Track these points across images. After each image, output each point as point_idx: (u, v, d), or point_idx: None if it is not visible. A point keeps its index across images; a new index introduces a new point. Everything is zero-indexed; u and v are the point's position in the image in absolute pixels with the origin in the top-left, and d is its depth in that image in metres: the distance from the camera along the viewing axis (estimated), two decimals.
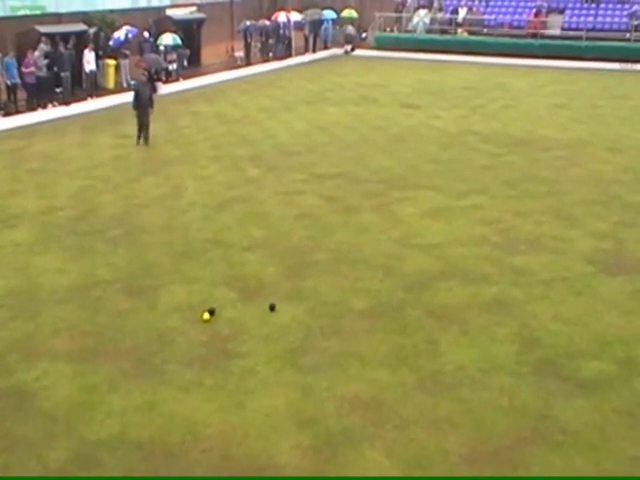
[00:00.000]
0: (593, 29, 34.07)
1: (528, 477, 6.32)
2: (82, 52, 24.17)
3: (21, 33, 24.14)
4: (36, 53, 22.28)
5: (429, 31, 37.65)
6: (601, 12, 35.21)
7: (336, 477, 6.33)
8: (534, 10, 35.97)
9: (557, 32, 34.98)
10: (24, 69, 21.77)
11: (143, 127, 18.16)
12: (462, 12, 37.29)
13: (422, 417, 7.12)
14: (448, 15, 37.60)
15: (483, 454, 6.57)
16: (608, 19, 34.75)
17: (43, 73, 22.37)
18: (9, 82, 21.66)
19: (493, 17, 36.76)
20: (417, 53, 35.41)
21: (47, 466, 6.42)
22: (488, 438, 6.79)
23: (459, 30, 36.88)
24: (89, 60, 24.10)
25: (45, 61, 22.50)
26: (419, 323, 9.03)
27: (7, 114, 21.55)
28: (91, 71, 24.34)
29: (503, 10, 37.28)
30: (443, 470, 6.38)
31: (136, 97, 18.00)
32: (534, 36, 34.62)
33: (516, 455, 6.55)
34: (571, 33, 34.34)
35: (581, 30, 33.81)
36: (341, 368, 7.97)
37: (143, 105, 17.95)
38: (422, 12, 38.25)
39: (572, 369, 7.96)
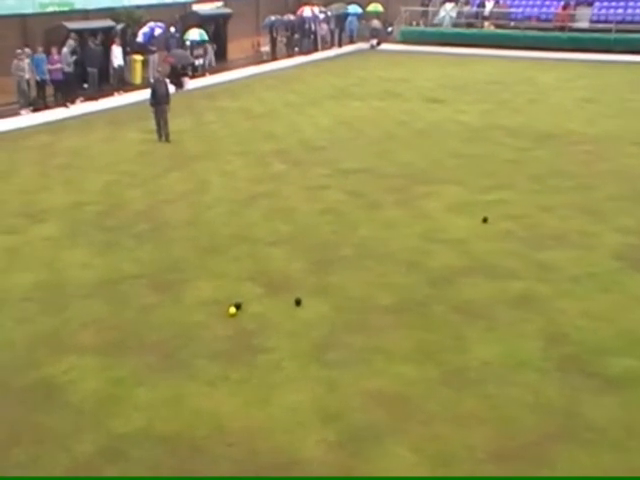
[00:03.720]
0: (622, 21, 33.68)
1: (554, 477, 6.28)
2: (109, 48, 24.41)
3: (49, 29, 24.42)
4: (64, 49, 22.51)
5: (455, 25, 37.48)
6: (631, 4, 34.78)
7: (356, 477, 6.34)
8: (562, 3, 35.63)
9: (585, 25, 34.62)
10: (50, 66, 22.01)
11: (162, 124, 18.27)
12: (489, 5, 37.07)
13: (447, 413, 7.09)
14: (475, 8, 37.40)
15: (509, 450, 6.53)
16: (638, 11, 34.28)
17: (71, 69, 22.62)
18: (38, 78, 21.92)
19: (520, 10, 36.49)
20: (443, 47, 35.28)
21: (75, 459, 6.49)
22: (514, 434, 6.75)
23: (486, 24, 36.67)
24: (116, 55, 24.33)
25: (73, 57, 22.73)
26: (444, 318, 8.99)
27: (36, 110, 21.80)
28: (119, 66, 24.58)
29: (530, 3, 36.98)
30: (469, 466, 6.35)
31: (153, 94, 18.11)
32: (562, 29, 34.31)
33: (542, 452, 6.51)
34: (600, 26, 33.97)
35: (610, 23, 33.45)
36: (366, 363, 7.97)
37: (160, 102, 18.05)
38: (448, 6, 38.08)
39: (599, 365, 7.88)
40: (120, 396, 7.45)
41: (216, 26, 30.92)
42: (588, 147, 17.22)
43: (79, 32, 24.16)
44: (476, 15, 36.94)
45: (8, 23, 24.45)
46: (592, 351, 8.17)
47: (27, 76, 21.49)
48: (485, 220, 12.16)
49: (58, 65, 22.22)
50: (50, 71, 22.05)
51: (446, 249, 11.15)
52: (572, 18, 35.00)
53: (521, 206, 13.08)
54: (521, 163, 15.95)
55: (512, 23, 35.91)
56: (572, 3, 35.51)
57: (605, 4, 35.11)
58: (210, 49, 29.72)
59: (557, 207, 12.98)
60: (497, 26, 36.29)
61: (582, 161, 16.05)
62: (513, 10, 36.70)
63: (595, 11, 35.00)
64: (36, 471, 6.35)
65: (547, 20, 35.46)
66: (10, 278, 10.37)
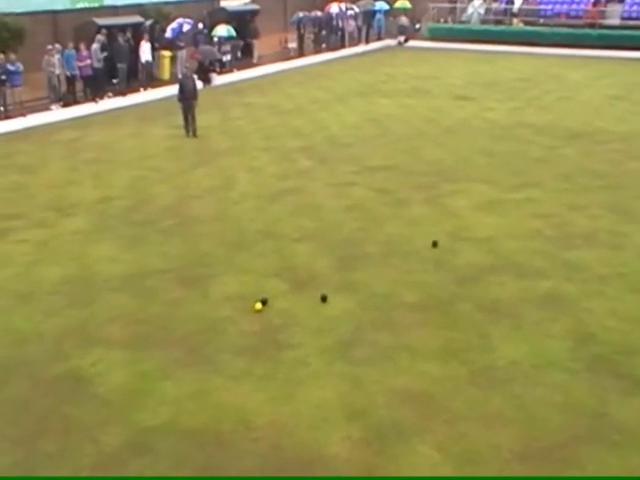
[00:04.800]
0: None
1: (582, 477, 6.21)
2: (138, 44, 24.57)
3: (79, 26, 24.65)
4: (94, 45, 22.73)
5: (483, 22, 37.18)
6: None
7: (381, 477, 6.32)
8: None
9: (616, 22, 34.12)
10: (79, 62, 22.23)
11: (189, 119, 18.36)
12: (517, 2, 36.71)
13: (473, 412, 7.05)
14: (503, 5, 37.06)
15: (536, 451, 6.47)
16: None
17: (100, 65, 22.83)
18: (68, 73, 22.13)
19: (550, 7, 36.05)
20: (471, 44, 34.99)
21: (102, 450, 6.55)
22: (541, 435, 6.69)
23: (514, 20, 36.31)
24: (145, 51, 24.44)
25: (103, 53, 22.93)
26: (471, 317, 8.94)
27: (66, 105, 22.02)
28: (147, 62, 24.65)
29: (560, 0, 36.51)
30: (494, 466, 6.30)
31: (181, 90, 18.21)
32: (592, 26, 33.87)
33: (570, 453, 6.44)
34: (631, 23, 33.46)
35: None
36: (392, 361, 7.94)
37: (188, 98, 18.14)
38: (476, 2, 37.78)
39: (629, 366, 7.78)
40: (146, 389, 7.51)
41: (244, 22, 30.95)
42: (618, 145, 17.01)
43: (109, 28, 24.33)
44: (505, 12, 36.61)
45: (39, 19, 24.71)
46: (621, 352, 8.07)
47: (57, 72, 21.72)
48: (435, 244, 11.05)
49: (87, 61, 22.46)
50: (80, 67, 22.26)
51: (473, 247, 11.08)
52: (602, 15, 34.55)
53: (549, 205, 12.95)
54: (550, 161, 15.80)
55: (541, 20, 35.51)
56: (603, 0, 35.04)
57: (637, 0, 34.58)
58: (256, 44, 30.90)
59: (586, 206, 12.84)
60: (526, 23, 35.93)
61: (612, 160, 15.86)
62: (542, 7, 36.29)
63: (626, 8, 34.48)
64: (64, 462, 6.42)
65: (577, 17, 35.00)
66: (39, 271, 10.49)
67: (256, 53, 31.07)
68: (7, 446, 6.64)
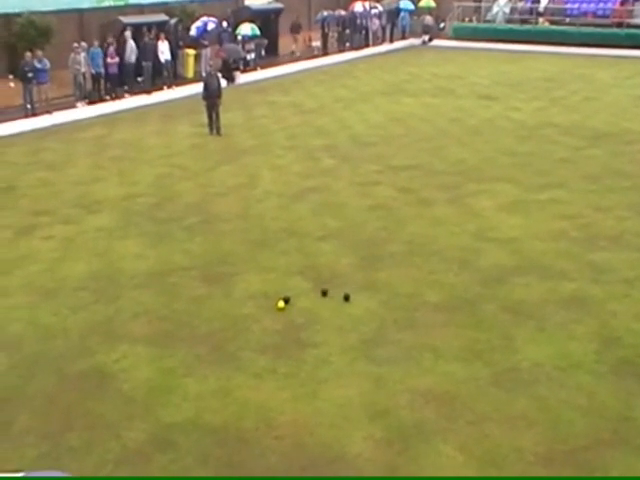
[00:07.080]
0: None
1: (607, 477, 6.16)
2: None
3: (105, 24, 24.86)
4: (130, 42, 23.02)
5: (509, 21, 36.94)
6: None
7: (403, 478, 6.30)
8: None
9: None
10: (109, 59, 22.46)
11: (213, 117, 18.43)
12: (544, 1, 36.42)
13: (497, 413, 7.01)
14: (529, 4, 36.80)
15: (559, 454, 6.42)
16: None
17: (132, 61, 23.12)
18: (94, 71, 22.32)
19: (576, 6, 35.70)
20: (496, 43, 34.79)
21: (126, 446, 6.60)
22: (565, 438, 6.64)
23: (540, 20, 36.03)
24: (163, 50, 24.47)
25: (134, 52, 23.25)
26: (494, 318, 8.89)
27: (91, 102, 22.21)
28: (166, 61, 24.68)
29: None
30: (518, 468, 6.26)
31: (205, 88, 18.29)
32: (620, 25, 33.51)
33: (594, 456, 6.38)
34: None
35: None
36: (415, 361, 7.92)
37: (212, 96, 18.20)
38: (502, 1, 37.54)
39: None
40: (170, 386, 7.55)
41: (268, 21, 31.00)
42: None
43: (134, 26, 24.48)
44: (530, 11, 36.34)
45: (65, 18, 24.92)
46: None
47: (83, 69, 21.90)
48: (324, 294, 9.49)
49: (117, 59, 22.69)
50: (108, 64, 22.49)
51: (497, 248, 11.01)
52: (630, 14, 34.15)
53: (575, 206, 12.84)
54: (575, 162, 15.66)
55: (567, 19, 35.21)
56: None
57: None
58: (298, 39, 32.32)
59: (612, 207, 12.71)
60: (552, 22, 35.64)
61: (639, 161, 15.67)
62: (569, 6, 35.96)
63: None
64: (88, 456, 6.47)
65: (604, 16, 34.64)
66: (65, 267, 10.59)
67: (295, 47, 31.96)
68: (33, 440, 6.72)
